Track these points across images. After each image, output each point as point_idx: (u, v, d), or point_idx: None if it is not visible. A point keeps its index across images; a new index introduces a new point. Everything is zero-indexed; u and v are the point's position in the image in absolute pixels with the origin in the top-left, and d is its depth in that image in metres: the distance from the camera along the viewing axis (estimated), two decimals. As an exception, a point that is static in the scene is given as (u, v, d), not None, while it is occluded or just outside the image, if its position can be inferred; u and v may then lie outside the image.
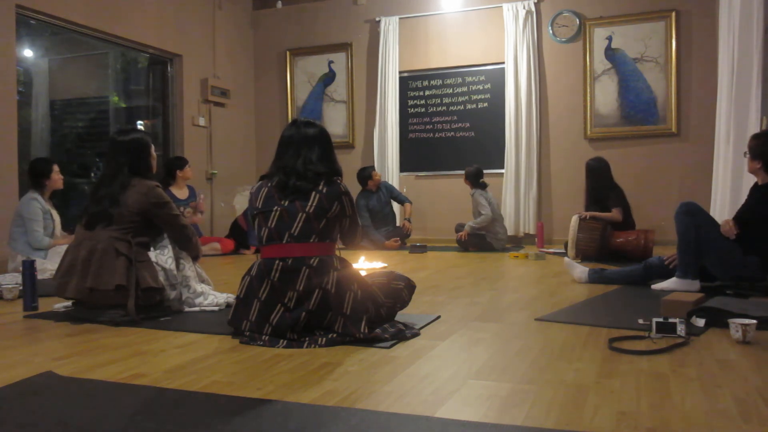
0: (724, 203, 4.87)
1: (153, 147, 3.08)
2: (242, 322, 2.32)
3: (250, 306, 2.31)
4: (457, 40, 7.27)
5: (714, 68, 5.40)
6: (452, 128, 7.36)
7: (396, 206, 7.10)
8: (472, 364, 1.97)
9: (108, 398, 1.69)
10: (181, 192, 5.95)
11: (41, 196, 4.44)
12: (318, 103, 7.91)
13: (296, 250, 2.28)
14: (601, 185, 5.29)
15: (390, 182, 7.19)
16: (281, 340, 2.22)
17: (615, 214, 5.14)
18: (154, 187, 2.91)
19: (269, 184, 2.40)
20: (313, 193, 2.33)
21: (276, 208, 2.34)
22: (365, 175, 6.71)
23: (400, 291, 2.51)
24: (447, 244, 6.79)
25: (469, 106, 7.29)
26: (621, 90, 6.67)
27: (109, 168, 2.94)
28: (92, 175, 6.96)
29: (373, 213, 6.68)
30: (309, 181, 2.34)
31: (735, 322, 2.19)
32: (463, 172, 6.87)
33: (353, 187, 6.84)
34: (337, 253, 2.40)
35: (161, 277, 2.82)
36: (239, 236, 6.22)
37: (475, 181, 6.26)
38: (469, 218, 6.52)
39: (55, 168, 4.52)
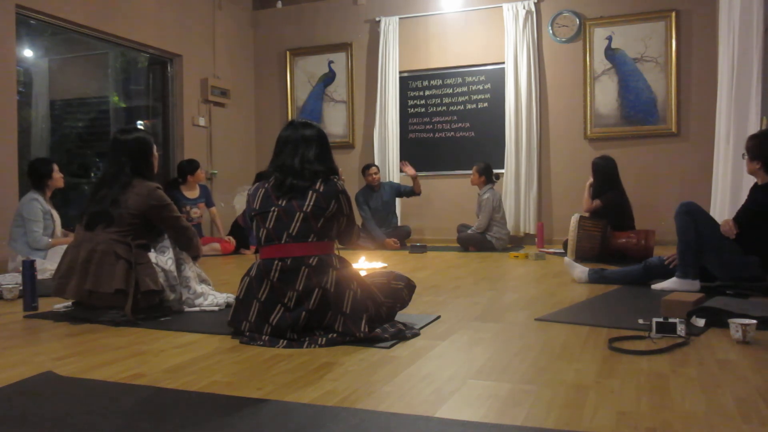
0: (724, 203, 4.87)
1: (155, 146, 3.08)
2: (242, 323, 2.32)
3: (249, 307, 2.31)
4: (457, 40, 7.27)
5: (714, 68, 5.39)
6: (452, 128, 7.36)
7: (399, 208, 7.13)
8: (472, 364, 1.97)
9: (108, 398, 1.69)
10: (191, 192, 6.09)
11: (42, 196, 4.46)
12: (318, 103, 7.91)
13: (295, 250, 2.29)
14: (603, 184, 5.29)
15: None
16: (281, 340, 2.22)
17: (594, 203, 5.27)
18: (154, 189, 2.90)
19: (266, 185, 2.40)
20: (310, 192, 2.33)
21: (273, 208, 2.34)
22: (364, 168, 6.84)
23: (400, 291, 2.51)
24: (447, 244, 6.79)
25: (469, 106, 7.29)
26: (621, 90, 6.67)
27: (110, 167, 2.93)
28: (92, 175, 6.96)
29: (373, 212, 6.70)
30: (306, 180, 2.34)
31: (735, 322, 2.19)
32: (463, 172, 6.89)
33: (354, 188, 6.88)
34: (336, 252, 2.40)
35: (161, 279, 2.81)
36: (239, 235, 6.23)
37: (490, 175, 6.27)
38: (470, 218, 6.53)
39: (55, 167, 4.55)
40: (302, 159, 2.37)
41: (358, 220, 6.29)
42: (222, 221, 6.44)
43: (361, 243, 6.35)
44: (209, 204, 6.28)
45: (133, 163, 2.92)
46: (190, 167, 6.11)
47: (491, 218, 6.14)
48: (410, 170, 6.76)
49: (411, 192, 6.89)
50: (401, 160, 7.17)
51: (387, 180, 7.25)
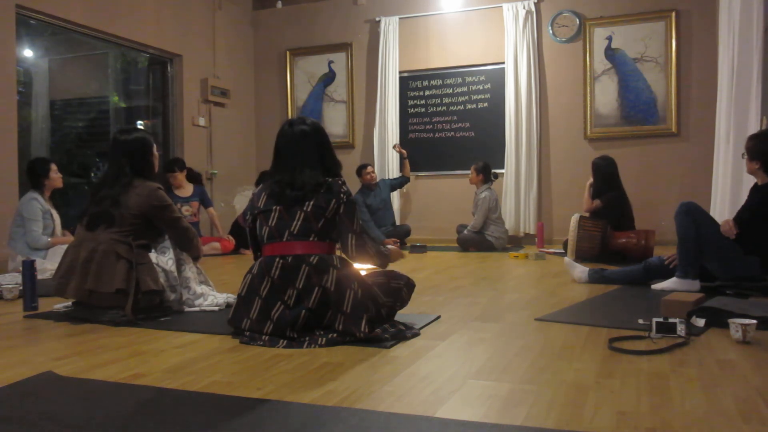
0: (724, 203, 4.87)
1: (155, 146, 3.08)
2: (243, 321, 2.32)
3: (251, 304, 2.31)
4: (457, 40, 7.27)
5: (714, 68, 5.39)
6: (452, 128, 7.36)
7: (398, 208, 7.13)
8: (472, 364, 1.97)
9: (108, 398, 1.69)
10: (182, 191, 6.05)
11: (41, 195, 4.46)
12: (318, 103, 7.91)
13: (296, 248, 2.29)
14: (603, 184, 5.30)
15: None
16: (281, 340, 2.22)
17: (594, 203, 5.31)
18: (155, 189, 2.90)
19: (272, 186, 2.41)
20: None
21: (275, 207, 2.35)
22: (359, 168, 6.87)
23: (400, 290, 2.51)
24: (447, 244, 6.79)
25: (469, 106, 7.29)
26: (621, 90, 6.67)
27: (111, 168, 2.93)
28: (92, 175, 6.96)
29: (371, 211, 6.71)
30: (306, 192, 2.34)
31: (735, 322, 2.19)
32: (463, 172, 6.89)
33: (353, 188, 6.87)
34: (337, 253, 2.41)
35: (161, 279, 2.82)
36: (239, 235, 6.23)
37: (488, 175, 6.30)
38: (469, 218, 6.54)
39: (53, 167, 4.54)
40: (303, 165, 2.37)
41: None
42: (220, 221, 6.43)
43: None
44: (206, 204, 6.25)
45: (134, 164, 2.92)
46: (168, 166, 6.02)
47: (488, 218, 6.14)
48: (403, 151, 7.09)
49: (402, 181, 7.06)
50: (401, 171, 7.26)
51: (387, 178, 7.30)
